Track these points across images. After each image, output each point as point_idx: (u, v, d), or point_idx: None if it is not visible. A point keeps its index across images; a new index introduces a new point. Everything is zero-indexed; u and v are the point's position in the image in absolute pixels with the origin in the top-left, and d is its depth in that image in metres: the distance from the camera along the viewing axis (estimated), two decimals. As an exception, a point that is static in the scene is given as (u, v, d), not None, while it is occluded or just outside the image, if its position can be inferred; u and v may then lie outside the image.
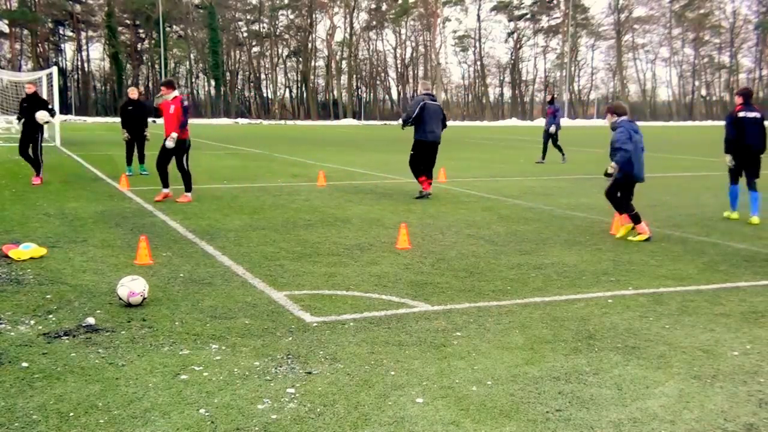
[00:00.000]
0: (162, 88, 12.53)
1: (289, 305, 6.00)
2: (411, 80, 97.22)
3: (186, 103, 12.13)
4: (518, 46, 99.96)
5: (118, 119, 17.96)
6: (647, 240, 8.95)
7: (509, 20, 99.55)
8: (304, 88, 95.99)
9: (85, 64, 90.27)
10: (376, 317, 5.69)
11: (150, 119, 17.66)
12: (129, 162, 17.01)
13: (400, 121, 13.50)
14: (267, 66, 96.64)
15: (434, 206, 12.08)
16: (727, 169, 11.06)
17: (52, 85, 29.97)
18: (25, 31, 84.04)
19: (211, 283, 6.74)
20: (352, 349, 4.94)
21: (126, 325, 5.43)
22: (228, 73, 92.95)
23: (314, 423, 3.80)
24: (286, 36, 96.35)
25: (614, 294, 6.48)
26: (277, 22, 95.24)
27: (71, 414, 3.88)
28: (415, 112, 12.96)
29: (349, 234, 9.37)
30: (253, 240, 8.87)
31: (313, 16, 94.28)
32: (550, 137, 21.66)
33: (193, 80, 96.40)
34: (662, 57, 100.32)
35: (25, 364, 4.60)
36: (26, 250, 7.69)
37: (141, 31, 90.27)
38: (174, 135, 11.86)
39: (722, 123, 11.19)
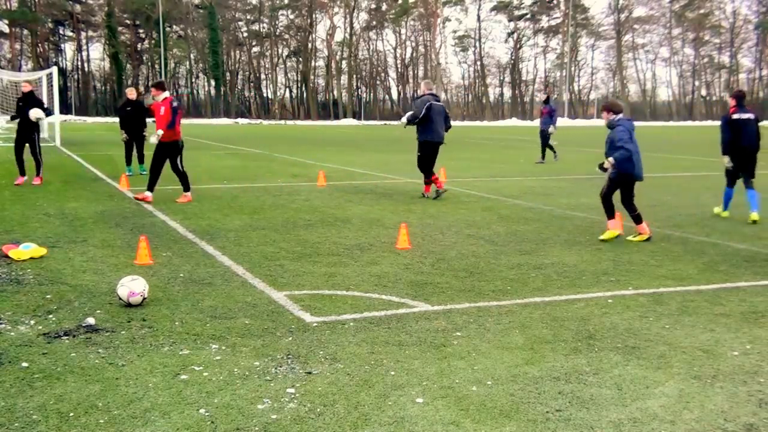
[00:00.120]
0: (152, 89, 12.54)
1: (289, 305, 6.00)
2: (411, 80, 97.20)
3: (175, 104, 12.09)
4: (518, 46, 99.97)
5: (117, 119, 17.96)
6: (647, 240, 8.95)
7: (509, 20, 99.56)
8: (304, 88, 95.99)
9: (85, 64, 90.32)
10: (376, 317, 5.69)
11: (149, 119, 17.66)
12: (128, 162, 17.02)
13: (404, 120, 13.30)
14: (267, 66, 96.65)
15: (434, 206, 12.08)
16: (724, 171, 11.14)
17: (52, 85, 29.98)
18: (25, 31, 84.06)
19: (211, 283, 6.74)
20: (352, 349, 4.94)
21: (126, 325, 5.43)
22: (228, 73, 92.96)
23: (314, 423, 3.80)
24: (286, 36, 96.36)
25: (614, 294, 6.48)
26: (277, 22, 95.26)
27: (71, 414, 3.88)
28: (423, 112, 12.93)
29: (349, 234, 9.37)
30: (253, 240, 8.87)
31: (313, 16, 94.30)
32: (546, 136, 21.67)
33: (193, 80, 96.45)
34: (662, 57, 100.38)
35: (25, 364, 4.60)
36: (26, 250, 7.69)
37: (141, 31, 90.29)
38: (159, 132, 11.85)
39: (722, 123, 11.27)
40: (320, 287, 6.61)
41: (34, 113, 14.22)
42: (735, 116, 10.82)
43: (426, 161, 13.13)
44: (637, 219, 9.04)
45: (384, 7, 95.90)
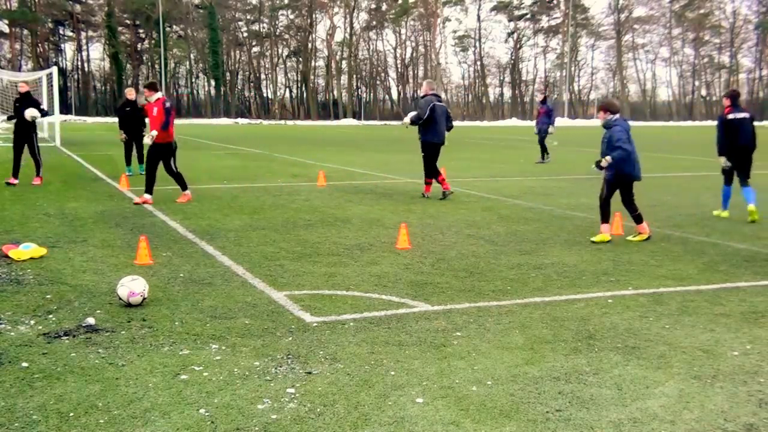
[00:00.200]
0: (144, 90, 12.46)
1: (289, 305, 6.00)
2: (411, 80, 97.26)
3: (168, 104, 11.99)
4: (518, 46, 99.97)
5: (117, 119, 17.96)
6: (647, 239, 8.96)
7: (509, 20, 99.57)
8: (304, 88, 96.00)
9: (85, 64, 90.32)
10: (376, 317, 5.69)
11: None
12: (128, 162, 17.03)
13: (408, 120, 13.21)
14: (267, 66, 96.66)
15: (434, 206, 12.08)
16: (721, 170, 11.22)
17: (52, 85, 29.96)
18: (25, 31, 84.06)
19: (211, 283, 6.74)
20: (352, 349, 4.94)
21: (126, 325, 5.42)
22: (228, 73, 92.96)
23: (314, 423, 3.80)
24: (286, 36, 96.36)
25: (614, 294, 6.48)
26: (277, 22, 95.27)
27: (71, 414, 3.88)
28: (427, 113, 12.91)
29: (349, 234, 9.37)
30: (253, 240, 8.87)
31: (313, 16, 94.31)
32: (543, 136, 21.69)
33: (193, 80, 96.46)
34: (662, 57, 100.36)
35: (25, 364, 4.60)
36: (26, 250, 7.69)
37: (141, 31, 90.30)
38: (153, 133, 11.77)
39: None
40: (320, 287, 6.61)
41: (30, 113, 14.18)
42: (730, 116, 10.89)
43: (432, 161, 13.11)
44: (638, 219, 9.05)
45: (384, 7, 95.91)
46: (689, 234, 9.62)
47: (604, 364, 4.71)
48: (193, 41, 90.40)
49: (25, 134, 14.53)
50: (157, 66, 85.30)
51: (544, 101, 22.53)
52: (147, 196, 11.97)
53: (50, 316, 5.65)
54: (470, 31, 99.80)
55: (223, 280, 6.83)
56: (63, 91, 74.68)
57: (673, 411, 4.01)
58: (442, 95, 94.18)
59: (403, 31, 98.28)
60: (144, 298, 5.93)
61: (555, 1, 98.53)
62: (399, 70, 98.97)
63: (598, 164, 8.96)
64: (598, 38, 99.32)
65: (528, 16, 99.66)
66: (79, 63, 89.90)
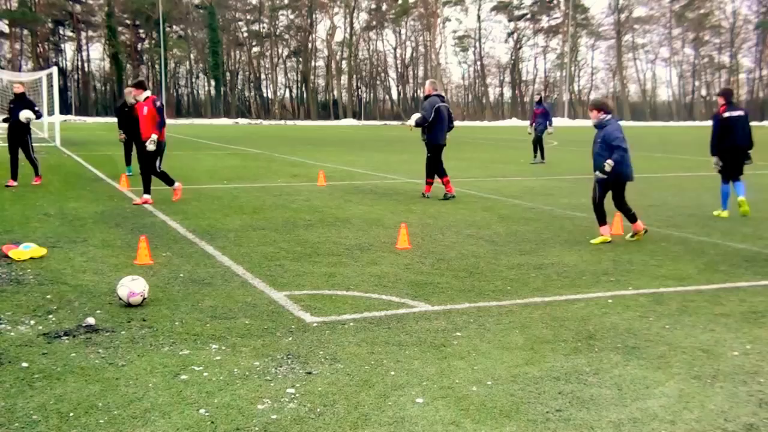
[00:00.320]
0: (132, 90, 12.24)
1: (289, 305, 6.00)
2: (411, 80, 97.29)
3: (158, 103, 11.83)
4: (518, 46, 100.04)
5: (116, 119, 17.94)
6: (645, 233, 8.97)
7: (509, 20, 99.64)
8: (304, 88, 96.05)
9: (85, 64, 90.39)
10: (376, 317, 5.69)
11: None
12: (128, 162, 17.01)
13: (412, 122, 13.14)
14: (267, 66, 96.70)
15: (434, 206, 12.08)
16: (717, 169, 11.28)
17: (52, 85, 29.96)
18: (25, 31, 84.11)
19: (211, 283, 6.74)
20: (352, 349, 4.94)
21: (126, 325, 5.42)
22: (228, 73, 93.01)
23: (314, 423, 3.80)
24: (286, 36, 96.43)
25: (614, 294, 6.48)
26: (277, 22, 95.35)
27: (71, 414, 3.88)
28: (432, 115, 12.90)
29: (349, 234, 9.37)
30: (253, 240, 8.87)
31: (313, 16, 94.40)
32: (539, 137, 21.71)
33: (193, 80, 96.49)
34: (662, 57, 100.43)
35: (25, 364, 4.60)
36: (26, 250, 7.69)
37: (141, 31, 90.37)
38: (154, 137, 11.64)
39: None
40: (320, 287, 6.61)
41: (25, 114, 14.08)
42: (726, 114, 10.91)
43: (435, 162, 13.09)
44: (632, 218, 9.02)
45: (384, 7, 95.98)
46: (689, 234, 9.62)
47: (604, 364, 4.71)
48: (193, 41, 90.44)
49: (19, 136, 14.37)
50: (157, 66, 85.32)
51: (539, 102, 22.56)
52: (146, 197, 11.96)
53: (50, 316, 5.64)
54: (470, 31, 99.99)
55: (223, 280, 6.83)
56: (63, 91, 74.68)
57: (673, 411, 4.01)
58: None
59: (403, 31, 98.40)
60: (144, 298, 5.93)
61: (555, 1, 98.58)
62: (399, 70, 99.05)
63: (602, 170, 8.73)
64: (598, 38, 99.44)
65: (528, 16, 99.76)
66: (79, 63, 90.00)
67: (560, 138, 35.44)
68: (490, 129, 60.62)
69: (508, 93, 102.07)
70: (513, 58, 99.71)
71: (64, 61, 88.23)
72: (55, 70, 31.64)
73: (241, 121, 77.62)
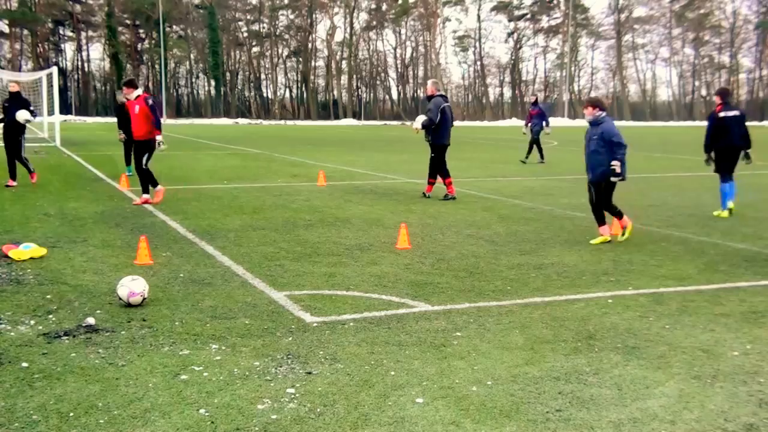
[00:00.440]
0: (123, 88, 12.19)
1: (289, 305, 6.00)
2: (411, 80, 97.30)
3: (150, 101, 11.76)
4: (518, 46, 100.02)
5: (116, 119, 17.93)
6: (629, 227, 8.93)
7: (509, 20, 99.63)
8: (304, 88, 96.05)
9: (85, 64, 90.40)
10: (376, 317, 5.69)
11: None
12: (128, 162, 16.98)
13: (418, 124, 13.03)
14: (267, 66, 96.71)
15: (434, 206, 12.08)
16: (714, 168, 11.34)
17: (52, 85, 29.97)
18: (25, 31, 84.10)
19: (211, 283, 6.74)
20: (352, 349, 4.94)
21: (126, 325, 5.42)
22: (228, 73, 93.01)
23: (314, 423, 3.80)
24: (286, 36, 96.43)
25: (614, 294, 6.48)
26: (277, 22, 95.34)
27: (71, 414, 3.88)
28: (438, 117, 12.89)
29: (349, 234, 9.37)
30: (253, 240, 8.87)
31: (313, 16, 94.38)
32: (536, 138, 21.72)
33: (193, 80, 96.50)
34: (662, 57, 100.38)
35: (25, 364, 4.60)
36: (26, 250, 7.69)
37: (141, 31, 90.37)
38: (159, 138, 11.69)
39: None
40: (320, 287, 6.61)
41: (22, 115, 13.97)
42: (722, 114, 10.92)
43: (439, 163, 13.07)
44: (619, 215, 8.95)
45: (384, 7, 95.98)
46: (689, 234, 9.62)
47: (604, 364, 4.71)
48: (193, 41, 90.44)
49: (13, 136, 14.28)
50: (157, 66, 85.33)
51: (535, 103, 22.59)
52: (146, 196, 11.96)
53: (50, 316, 5.65)
54: (470, 31, 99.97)
55: (223, 280, 6.83)
56: (63, 91, 74.69)
57: (673, 411, 4.01)
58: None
59: (403, 31, 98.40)
60: (144, 298, 5.93)
61: (555, 1, 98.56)
62: (399, 70, 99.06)
63: (613, 173, 8.57)
64: (598, 38, 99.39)
65: (528, 16, 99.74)
66: (79, 63, 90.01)
67: (560, 138, 35.45)
68: (490, 129, 60.63)
69: (508, 93, 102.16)
70: (513, 58, 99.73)
71: (64, 61, 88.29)
72: (55, 70, 31.64)
73: (241, 121, 77.63)
